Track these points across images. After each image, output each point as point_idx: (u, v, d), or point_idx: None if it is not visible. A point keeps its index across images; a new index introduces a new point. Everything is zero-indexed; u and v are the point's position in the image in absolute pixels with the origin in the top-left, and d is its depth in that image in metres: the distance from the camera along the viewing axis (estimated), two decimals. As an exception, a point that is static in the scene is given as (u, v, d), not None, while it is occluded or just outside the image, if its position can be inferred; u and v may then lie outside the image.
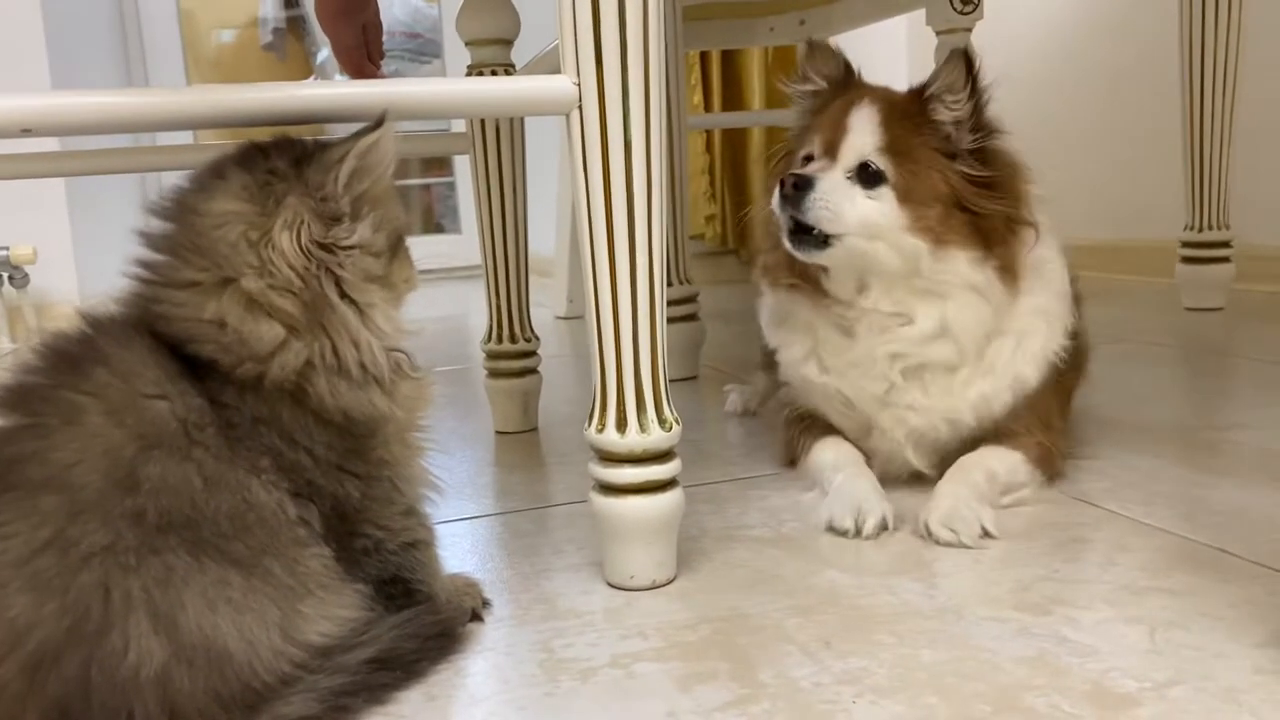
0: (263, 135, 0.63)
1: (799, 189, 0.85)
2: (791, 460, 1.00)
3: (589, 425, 0.73)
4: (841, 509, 0.84)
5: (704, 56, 2.69)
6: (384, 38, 1.42)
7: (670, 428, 0.73)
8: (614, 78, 0.68)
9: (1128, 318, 1.77)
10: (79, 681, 0.51)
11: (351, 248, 0.60)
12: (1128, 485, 0.91)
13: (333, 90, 0.65)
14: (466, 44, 1.17)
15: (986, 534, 0.80)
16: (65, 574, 0.51)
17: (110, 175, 2.77)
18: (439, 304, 2.69)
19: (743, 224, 2.81)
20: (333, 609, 0.60)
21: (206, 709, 0.53)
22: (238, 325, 0.58)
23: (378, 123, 0.60)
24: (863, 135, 0.87)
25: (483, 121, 1.16)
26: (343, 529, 0.61)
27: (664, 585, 0.74)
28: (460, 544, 0.86)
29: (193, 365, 0.58)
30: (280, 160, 0.60)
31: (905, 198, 0.85)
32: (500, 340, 1.22)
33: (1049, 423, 0.92)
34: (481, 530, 0.90)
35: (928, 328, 0.87)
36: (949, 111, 0.86)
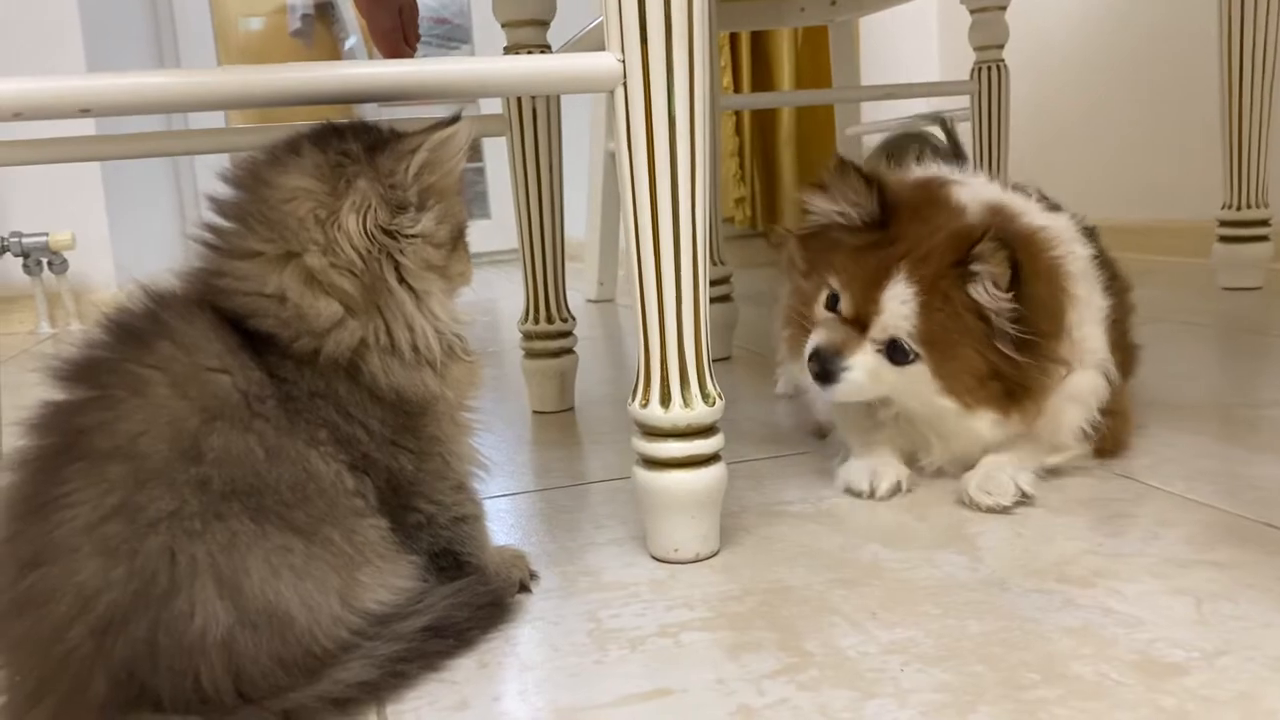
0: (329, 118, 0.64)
1: (826, 367, 0.85)
2: (821, 433, 1.02)
3: (633, 400, 0.74)
4: (858, 473, 0.88)
5: (733, 38, 2.69)
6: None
7: (714, 403, 0.73)
8: (659, 54, 0.68)
9: (1164, 298, 1.76)
10: (146, 644, 0.52)
11: (414, 236, 0.61)
12: (1168, 461, 0.90)
13: (373, 69, 0.66)
14: (503, 25, 1.18)
15: (1024, 497, 0.81)
16: (133, 539, 0.53)
17: (145, 162, 2.80)
18: (469, 289, 2.71)
19: (772, 206, 2.81)
20: (389, 578, 0.61)
21: (270, 672, 0.54)
22: (297, 300, 0.59)
23: (454, 118, 0.62)
24: (896, 317, 0.83)
25: (519, 103, 1.17)
26: (396, 502, 0.62)
27: (707, 558, 0.75)
28: (504, 519, 0.88)
29: (252, 340, 0.60)
30: (355, 143, 0.61)
31: (937, 372, 0.83)
32: (537, 321, 1.23)
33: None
34: (523, 506, 0.91)
35: (940, 454, 0.89)
36: (989, 298, 0.81)
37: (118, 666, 0.52)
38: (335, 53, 4.21)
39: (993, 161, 1.83)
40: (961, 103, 1.86)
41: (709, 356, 0.74)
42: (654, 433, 0.74)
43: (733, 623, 0.65)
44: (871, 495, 0.85)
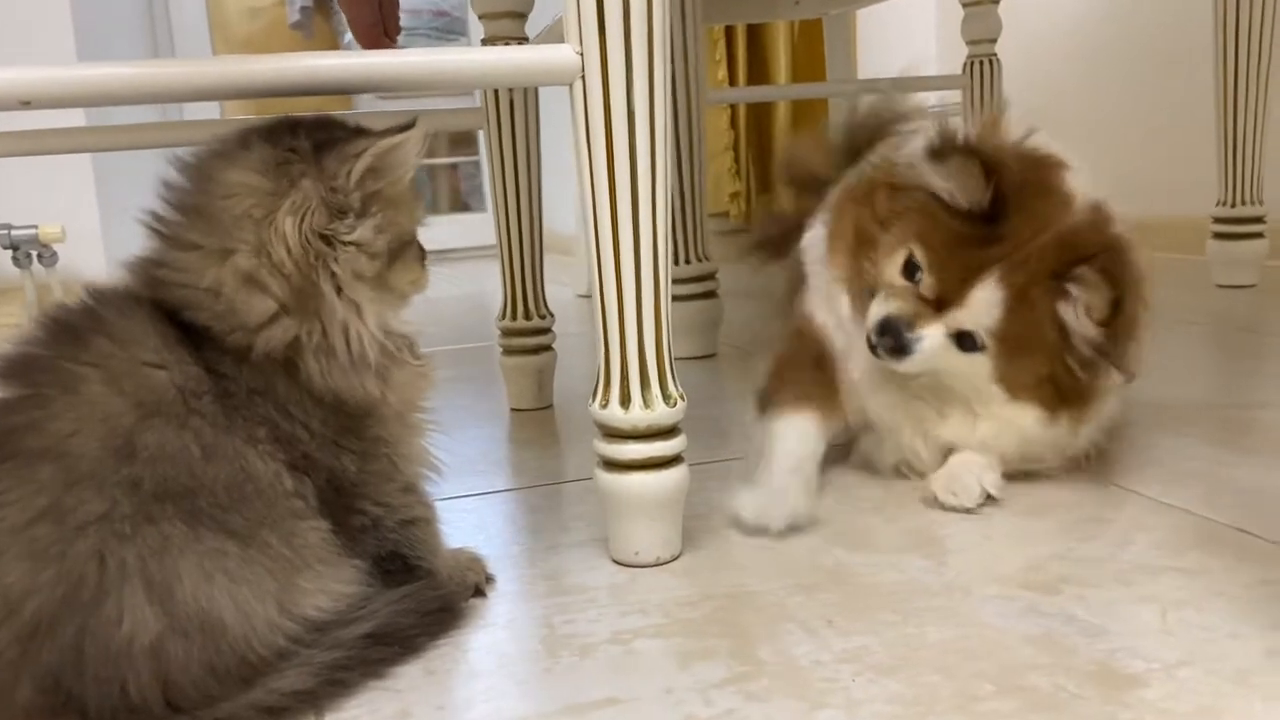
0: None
1: (899, 341, 0.81)
2: (761, 409, 0.96)
3: (593, 401, 0.73)
4: (753, 501, 0.80)
5: (729, 31, 2.66)
6: (412, 16, 1.42)
7: (675, 403, 0.72)
8: (617, 46, 0.67)
9: (1158, 294, 1.74)
10: (73, 651, 0.51)
11: (349, 244, 0.59)
12: (1150, 463, 0.89)
13: (318, 62, 0.64)
14: (480, 17, 1.17)
15: (989, 499, 0.80)
16: (61, 542, 0.51)
17: (137, 154, 2.79)
18: (463, 282, 2.69)
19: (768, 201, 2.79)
20: (330, 583, 0.60)
21: (200, 681, 0.53)
22: (231, 295, 0.57)
23: (409, 124, 0.60)
24: (979, 315, 0.79)
25: (496, 95, 1.15)
26: (339, 504, 0.60)
27: (669, 562, 0.74)
28: (469, 520, 0.86)
29: (191, 334, 0.58)
30: (306, 140, 0.59)
31: (999, 365, 0.81)
32: (515, 318, 1.22)
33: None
34: (491, 506, 0.90)
35: (956, 431, 0.85)
36: (1077, 323, 0.78)
37: (43, 673, 0.51)
38: (334, 45, 4.19)
39: (985, 157, 1.81)
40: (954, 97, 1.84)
41: (670, 356, 0.72)
42: (614, 434, 0.72)
43: (687, 629, 0.63)
44: (764, 531, 0.78)
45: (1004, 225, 0.79)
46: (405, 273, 0.63)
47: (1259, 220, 1.71)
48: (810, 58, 2.62)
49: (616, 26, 0.66)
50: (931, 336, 0.81)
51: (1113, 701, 0.52)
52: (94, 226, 2.46)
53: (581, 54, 0.67)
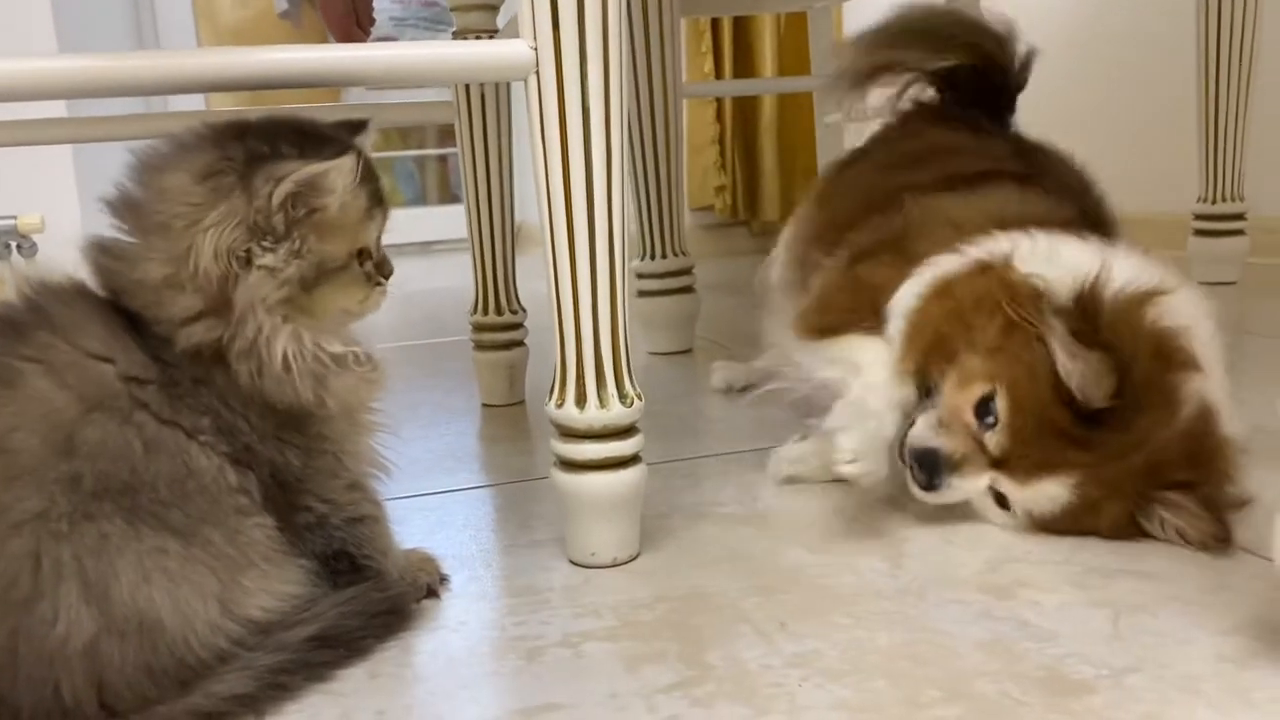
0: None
1: (933, 478, 0.74)
2: (816, 330, 0.88)
3: (549, 400, 0.72)
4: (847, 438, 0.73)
5: (715, 24, 2.65)
6: (401, 6, 1.41)
7: (631, 403, 0.71)
8: (571, 42, 0.66)
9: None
10: (6, 652, 0.51)
11: (260, 267, 0.57)
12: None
13: (266, 56, 0.63)
14: (451, 9, 1.16)
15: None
16: None
17: (118, 145, 2.77)
18: (447, 274, 2.68)
19: (753, 195, 2.78)
20: (275, 583, 0.59)
21: (136, 683, 0.52)
22: (155, 290, 0.57)
23: (342, 149, 0.58)
24: (1035, 502, 0.72)
25: (467, 87, 1.14)
26: (284, 500, 0.60)
27: (625, 563, 0.73)
28: (431, 518, 0.85)
29: (137, 321, 0.58)
30: (244, 150, 0.57)
31: (1026, 529, 0.75)
32: (486, 312, 1.21)
33: None
34: (455, 504, 0.89)
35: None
36: (1163, 532, 0.71)
37: (-25, 676, 0.50)
38: (324, 34, 4.18)
39: (967, 152, 1.81)
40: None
41: (627, 356, 0.71)
42: (570, 434, 0.71)
43: (638, 632, 0.63)
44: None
45: (1104, 433, 0.71)
46: (338, 296, 0.60)
47: (1239, 217, 1.71)
48: (797, 51, 2.61)
49: (571, 22, 0.66)
50: (971, 488, 0.74)
51: (1057, 709, 0.52)
52: (74, 217, 2.43)
53: (536, 49, 0.66)
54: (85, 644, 0.51)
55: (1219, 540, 0.68)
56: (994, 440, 0.73)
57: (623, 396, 0.71)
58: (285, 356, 0.57)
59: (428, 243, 3.41)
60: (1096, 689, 0.53)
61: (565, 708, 0.55)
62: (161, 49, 3.15)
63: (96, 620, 0.52)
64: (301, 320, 0.59)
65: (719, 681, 0.56)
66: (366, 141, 0.65)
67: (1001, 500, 0.75)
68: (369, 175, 0.61)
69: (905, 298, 0.82)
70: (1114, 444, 0.70)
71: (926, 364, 0.79)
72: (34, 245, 2.37)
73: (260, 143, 0.58)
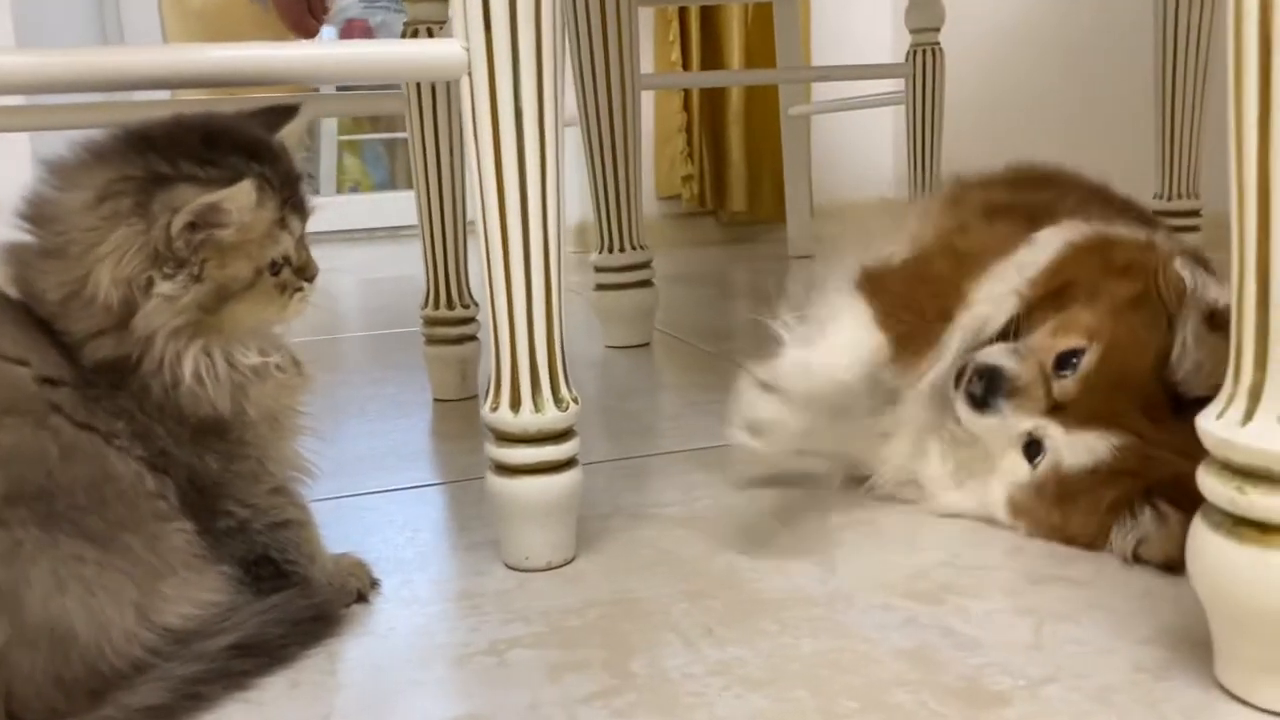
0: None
1: (989, 396, 0.73)
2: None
3: (483, 404, 0.71)
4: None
5: (683, 14, 2.64)
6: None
7: (567, 407, 0.71)
8: (504, 44, 0.65)
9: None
10: None
11: (158, 295, 0.56)
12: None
13: (196, 55, 0.63)
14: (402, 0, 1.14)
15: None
16: None
17: (77, 134, 2.73)
18: (414, 260, 2.67)
19: (721, 185, 2.77)
20: (195, 591, 0.58)
21: (45, 694, 0.52)
22: (59, 306, 0.56)
23: (236, 175, 0.56)
24: (1075, 455, 0.72)
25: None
26: (203, 505, 0.59)
27: (560, 567, 0.73)
28: (368, 518, 0.85)
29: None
30: (143, 168, 0.56)
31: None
32: (437, 306, 1.20)
33: None
34: (394, 504, 0.89)
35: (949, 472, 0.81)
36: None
37: (-122, 688, 0.49)
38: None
39: (927, 145, 1.81)
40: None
41: (563, 359, 0.71)
42: (504, 438, 0.71)
43: (565, 639, 0.63)
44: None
45: (1172, 422, 0.69)
46: (250, 311, 0.59)
47: (1195, 214, 1.72)
48: (764, 42, 2.60)
49: (503, 23, 0.65)
50: (1017, 423, 0.74)
51: (972, 721, 0.52)
52: (31, 201, 2.40)
53: (468, 49, 0.66)
54: (-6, 653, 0.50)
55: (1175, 568, 0.65)
56: (1062, 386, 0.73)
57: (558, 400, 0.71)
58: (198, 373, 0.57)
59: (395, 228, 3.38)
60: (1012, 700, 0.54)
61: (484, 717, 0.54)
62: (123, 30, 3.10)
63: (5, 630, 0.51)
64: (212, 337, 0.58)
65: (640, 691, 0.56)
66: (298, 127, 0.65)
67: (1032, 450, 0.73)
68: (286, 180, 0.59)
69: (1048, 238, 0.81)
70: (1174, 434, 0.68)
71: (1033, 307, 0.77)
72: (-11, 230, 2.34)
73: (161, 159, 0.56)
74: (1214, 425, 0.51)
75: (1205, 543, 0.52)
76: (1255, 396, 0.50)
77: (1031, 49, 2.39)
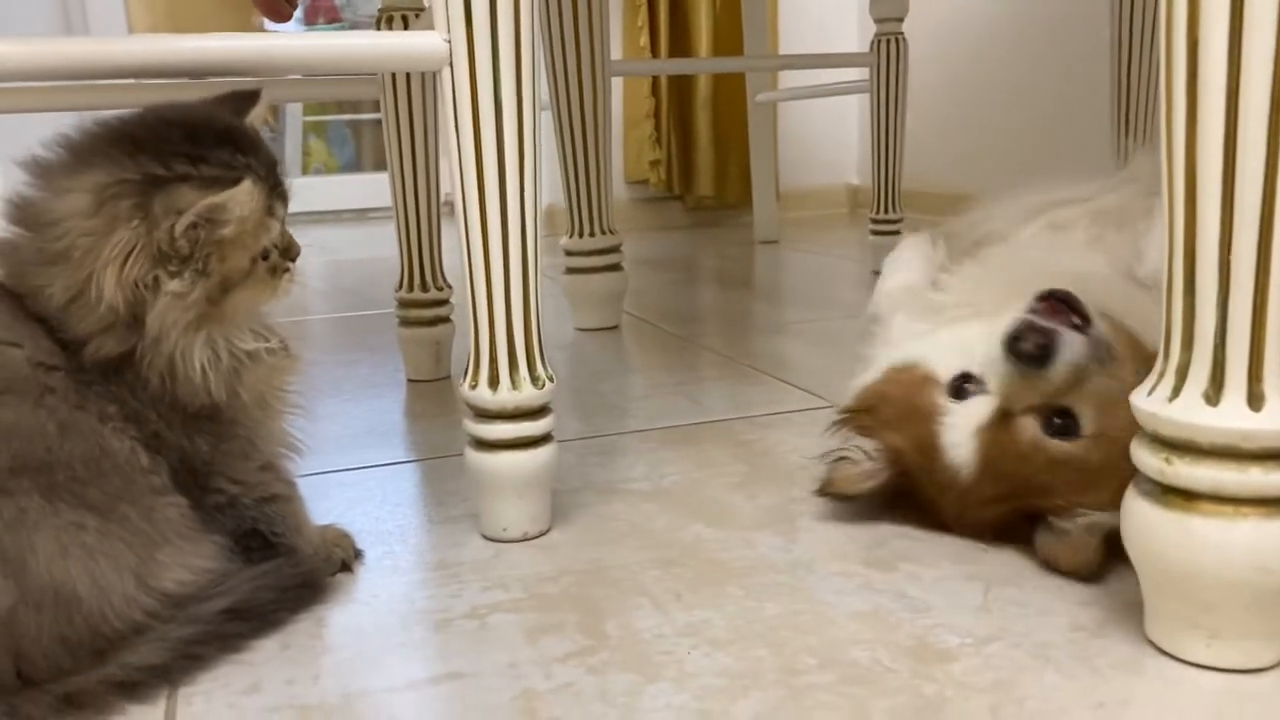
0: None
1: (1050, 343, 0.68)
2: None
3: (463, 382, 0.75)
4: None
5: (651, 0, 2.66)
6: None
7: (543, 385, 0.74)
8: (484, 38, 0.68)
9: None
10: None
11: (168, 293, 0.58)
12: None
13: (174, 45, 0.64)
14: (377, -13, 1.16)
15: None
16: None
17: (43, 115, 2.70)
18: (382, 243, 2.68)
19: (688, 170, 2.81)
20: (190, 558, 0.61)
21: (52, 654, 0.54)
22: (61, 309, 0.58)
23: (235, 180, 0.59)
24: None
25: (393, 68, 1.15)
26: (193, 483, 0.62)
27: (535, 538, 0.76)
28: (349, 493, 0.88)
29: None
30: (137, 170, 0.58)
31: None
32: (411, 289, 1.23)
33: None
34: (374, 480, 0.92)
35: None
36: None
37: (-109, 646, 0.52)
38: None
39: (890, 133, 1.85)
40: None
41: (539, 340, 0.74)
42: (483, 414, 0.74)
43: (542, 604, 0.66)
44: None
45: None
46: (248, 298, 0.62)
47: (1147, 204, 1.78)
48: (732, 27, 2.63)
49: (483, 16, 0.68)
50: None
51: (920, 675, 0.56)
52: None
53: (449, 42, 0.68)
54: (2, 616, 0.53)
55: (1089, 575, 0.66)
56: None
57: (534, 379, 0.74)
58: (202, 366, 0.60)
59: (363, 210, 3.38)
60: (959, 657, 0.58)
61: (467, 676, 0.58)
62: (87, 15, 3.07)
63: (13, 593, 0.53)
64: (214, 326, 0.61)
65: (613, 650, 0.60)
66: (261, 110, 0.67)
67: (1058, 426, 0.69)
68: (269, 168, 0.62)
69: None
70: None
71: None
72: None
73: (152, 159, 0.58)
74: (1145, 401, 0.55)
75: (1136, 509, 0.56)
76: (1182, 375, 0.54)
77: (996, 39, 2.44)
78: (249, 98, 0.65)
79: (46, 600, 0.54)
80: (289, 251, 0.65)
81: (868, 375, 0.81)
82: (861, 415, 0.78)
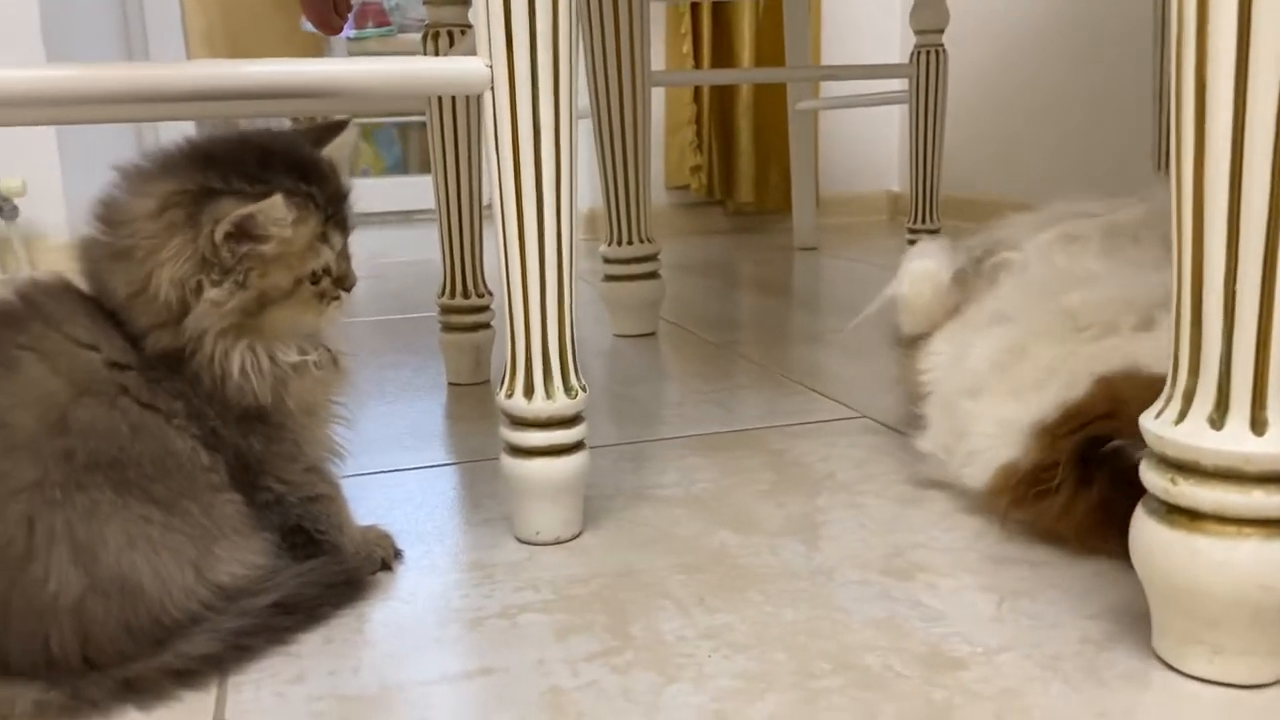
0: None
1: None
2: None
3: (500, 391, 0.78)
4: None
5: (695, 9, 2.69)
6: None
7: (576, 395, 0.77)
8: (524, 65, 0.71)
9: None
10: (0, 605, 0.56)
11: (206, 300, 0.62)
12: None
13: (223, 71, 0.69)
14: (424, 3, 1.20)
15: None
16: None
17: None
18: (428, 245, 2.73)
19: (729, 176, 2.83)
20: (244, 553, 0.65)
21: (117, 639, 0.58)
22: (124, 302, 0.63)
23: (267, 191, 0.62)
24: None
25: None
26: (246, 480, 0.66)
27: (567, 541, 0.80)
28: (391, 495, 0.92)
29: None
30: (199, 183, 0.62)
31: None
32: (453, 295, 1.26)
33: None
34: (415, 482, 0.96)
35: None
36: None
37: (-31, 626, 0.56)
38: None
39: (929, 143, 1.87)
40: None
41: (573, 352, 0.78)
42: (518, 422, 0.78)
43: (571, 606, 0.69)
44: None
45: None
46: (289, 316, 0.65)
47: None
48: (774, 34, 2.66)
49: (523, 45, 0.71)
50: None
51: (931, 682, 0.59)
52: (56, 180, 2.47)
53: (490, 67, 0.72)
54: (73, 602, 0.57)
55: None
56: None
57: (568, 389, 0.77)
58: (243, 368, 0.64)
59: (409, 212, 3.44)
60: (969, 665, 0.60)
61: (497, 672, 0.61)
62: (145, 16, 3.14)
63: (83, 580, 0.58)
64: (255, 337, 0.65)
65: (637, 651, 0.63)
66: (348, 139, 0.71)
67: None
68: (332, 198, 0.66)
69: None
70: None
71: None
72: (15, 208, 2.40)
73: (217, 175, 0.62)
74: (1152, 423, 0.57)
75: (1144, 527, 0.58)
76: (1188, 399, 0.56)
77: (1036, 50, 2.44)
78: (334, 129, 0.70)
79: (114, 589, 0.59)
80: (344, 281, 0.69)
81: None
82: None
